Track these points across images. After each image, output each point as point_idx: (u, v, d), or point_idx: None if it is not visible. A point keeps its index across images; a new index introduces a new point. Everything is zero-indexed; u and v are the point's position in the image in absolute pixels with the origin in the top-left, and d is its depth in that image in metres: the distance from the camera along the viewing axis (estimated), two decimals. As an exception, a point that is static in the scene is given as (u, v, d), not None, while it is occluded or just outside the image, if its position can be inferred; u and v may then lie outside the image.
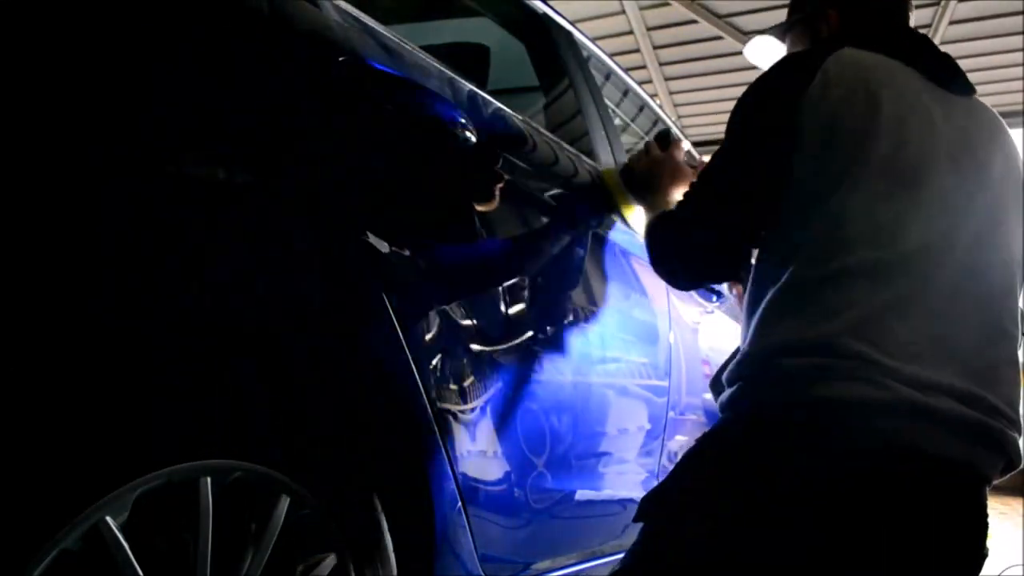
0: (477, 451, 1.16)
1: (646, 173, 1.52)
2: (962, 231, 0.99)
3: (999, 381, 0.96)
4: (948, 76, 1.09)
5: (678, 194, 1.39)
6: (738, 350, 1.06)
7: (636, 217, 1.56)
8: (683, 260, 1.18)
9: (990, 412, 0.94)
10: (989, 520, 0.99)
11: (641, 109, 2.37)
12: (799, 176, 0.99)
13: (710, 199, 1.11)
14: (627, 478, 1.65)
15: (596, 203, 1.58)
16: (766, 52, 1.39)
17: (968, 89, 1.11)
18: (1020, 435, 0.98)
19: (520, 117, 1.41)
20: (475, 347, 1.17)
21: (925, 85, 1.05)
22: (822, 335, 0.93)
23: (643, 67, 6.82)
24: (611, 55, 2.13)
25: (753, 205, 1.06)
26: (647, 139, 1.76)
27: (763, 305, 1.01)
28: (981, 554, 0.96)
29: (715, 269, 1.16)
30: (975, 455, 0.93)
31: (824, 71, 1.00)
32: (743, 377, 1.01)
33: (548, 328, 1.37)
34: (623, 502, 1.64)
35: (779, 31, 1.36)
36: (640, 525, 1.04)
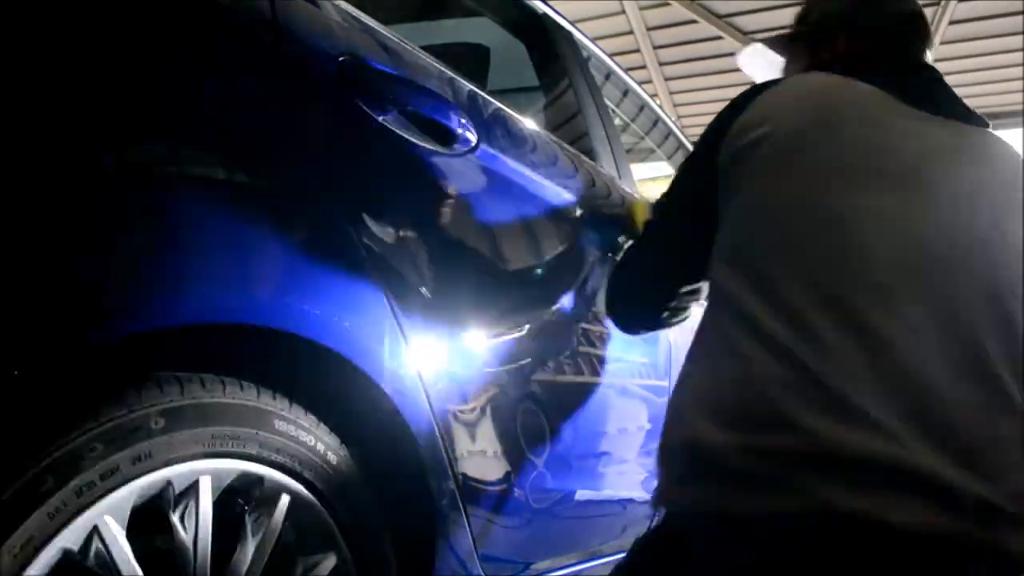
0: (477, 451, 1.16)
1: None
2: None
3: (1001, 466, 0.68)
4: (940, 102, 0.95)
5: None
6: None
7: None
8: (609, 304, 1.18)
9: (985, 515, 0.65)
10: None
11: (641, 109, 2.37)
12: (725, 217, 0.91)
13: (640, 241, 1.11)
14: (627, 478, 1.65)
15: (595, 204, 1.58)
16: (761, 63, 1.30)
17: (974, 119, 0.96)
18: None
19: (520, 119, 1.41)
20: (475, 346, 1.17)
21: (898, 107, 0.91)
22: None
23: (643, 67, 6.83)
24: (611, 55, 2.13)
25: (668, 251, 1.04)
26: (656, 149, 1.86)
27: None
28: None
29: (634, 315, 1.17)
30: None
31: (756, 105, 0.93)
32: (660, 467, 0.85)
33: (548, 328, 1.37)
34: (623, 502, 1.64)
35: (780, 44, 1.24)
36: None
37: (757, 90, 0.98)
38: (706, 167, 0.95)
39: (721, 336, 0.83)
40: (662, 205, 1.10)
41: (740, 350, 0.77)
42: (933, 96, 0.96)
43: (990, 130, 0.96)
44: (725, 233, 0.90)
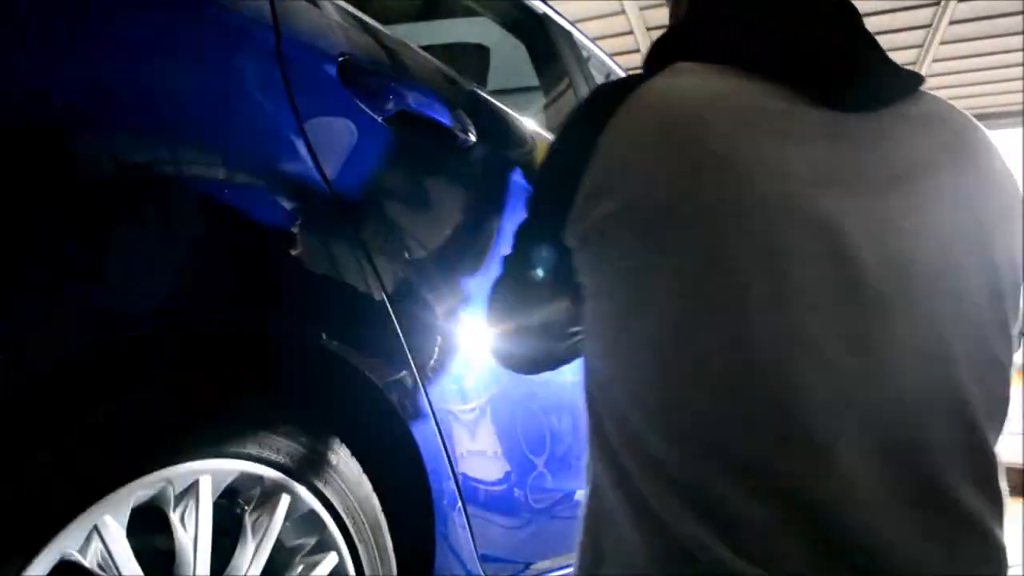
0: (477, 451, 1.16)
1: None
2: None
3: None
4: (850, 82, 0.66)
5: None
6: None
7: None
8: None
9: None
10: None
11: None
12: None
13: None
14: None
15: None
16: None
17: (888, 93, 0.67)
18: None
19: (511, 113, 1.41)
20: (475, 347, 1.17)
21: (798, 111, 0.64)
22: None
23: (643, 67, 6.81)
24: (611, 55, 2.13)
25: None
26: None
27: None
28: None
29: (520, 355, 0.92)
30: None
31: (605, 145, 0.66)
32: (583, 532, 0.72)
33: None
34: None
35: None
36: None
37: (603, 107, 0.68)
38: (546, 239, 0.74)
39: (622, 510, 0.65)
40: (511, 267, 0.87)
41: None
42: (864, 72, 0.67)
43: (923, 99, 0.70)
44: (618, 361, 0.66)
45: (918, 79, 0.70)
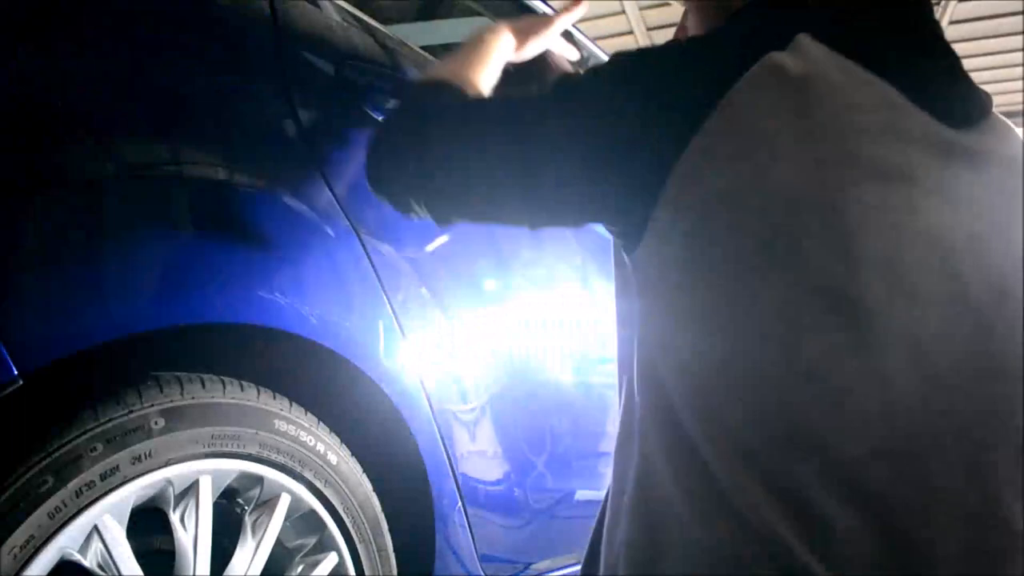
0: (477, 451, 1.16)
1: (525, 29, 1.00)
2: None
3: None
4: (955, 99, 0.65)
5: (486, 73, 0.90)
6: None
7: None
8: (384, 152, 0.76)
9: None
10: None
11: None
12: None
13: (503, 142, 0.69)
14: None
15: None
16: None
17: (979, 109, 0.67)
18: None
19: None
20: (475, 346, 1.17)
21: (921, 123, 0.62)
22: None
23: (643, 67, 6.81)
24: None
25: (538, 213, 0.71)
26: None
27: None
28: None
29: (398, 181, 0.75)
30: None
31: (732, 103, 0.59)
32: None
33: (549, 326, 1.37)
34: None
35: None
36: None
37: (717, 70, 0.61)
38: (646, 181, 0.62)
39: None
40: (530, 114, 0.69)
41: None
42: (953, 84, 0.67)
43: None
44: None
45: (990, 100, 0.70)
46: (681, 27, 0.89)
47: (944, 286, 0.59)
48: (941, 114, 0.63)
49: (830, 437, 0.57)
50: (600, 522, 0.73)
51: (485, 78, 0.89)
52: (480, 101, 0.78)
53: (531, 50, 1.01)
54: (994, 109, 0.70)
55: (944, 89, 0.65)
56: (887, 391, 0.57)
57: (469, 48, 0.93)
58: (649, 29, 6.46)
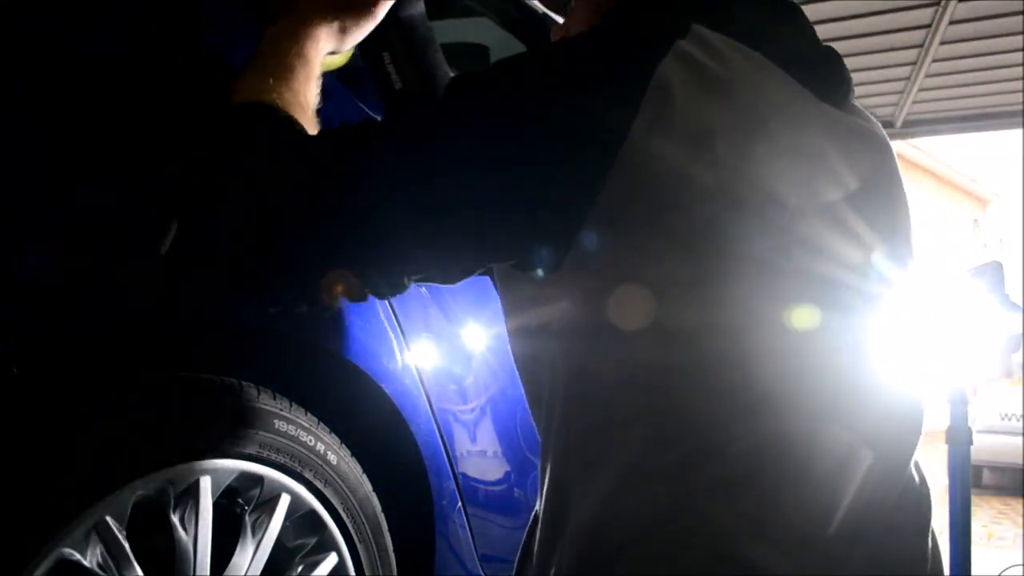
0: (477, 451, 1.16)
1: None
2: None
3: None
4: (826, 77, 0.67)
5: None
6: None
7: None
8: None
9: None
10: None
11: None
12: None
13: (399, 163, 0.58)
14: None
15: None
16: None
17: (844, 93, 0.69)
18: None
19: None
20: (475, 346, 1.17)
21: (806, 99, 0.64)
22: None
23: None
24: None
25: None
26: None
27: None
28: None
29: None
30: None
31: (660, 85, 0.55)
32: None
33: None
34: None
35: None
36: None
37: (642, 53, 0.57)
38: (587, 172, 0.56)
39: None
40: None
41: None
42: (830, 67, 0.69)
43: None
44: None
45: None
46: (563, 27, 0.82)
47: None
48: (823, 94, 0.65)
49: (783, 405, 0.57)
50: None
51: (310, 91, 0.71)
52: (340, 135, 0.63)
53: (354, 39, 0.80)
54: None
55: (823, 70, 0.67)
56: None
57: (272, 52, 0.70)
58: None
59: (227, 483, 0.85)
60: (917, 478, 0.67)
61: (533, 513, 0.71)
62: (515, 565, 0.74)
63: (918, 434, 0.66)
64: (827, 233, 0.60)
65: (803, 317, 0.58)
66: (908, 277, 0.68)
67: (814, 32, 0.70)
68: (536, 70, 0.60)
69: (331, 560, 0.94)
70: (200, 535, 0.79)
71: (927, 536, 0.65)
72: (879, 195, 0.66)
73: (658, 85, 0.55)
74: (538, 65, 0.61)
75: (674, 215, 0.55)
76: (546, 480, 0.67)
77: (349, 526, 0.96)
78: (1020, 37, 5.45)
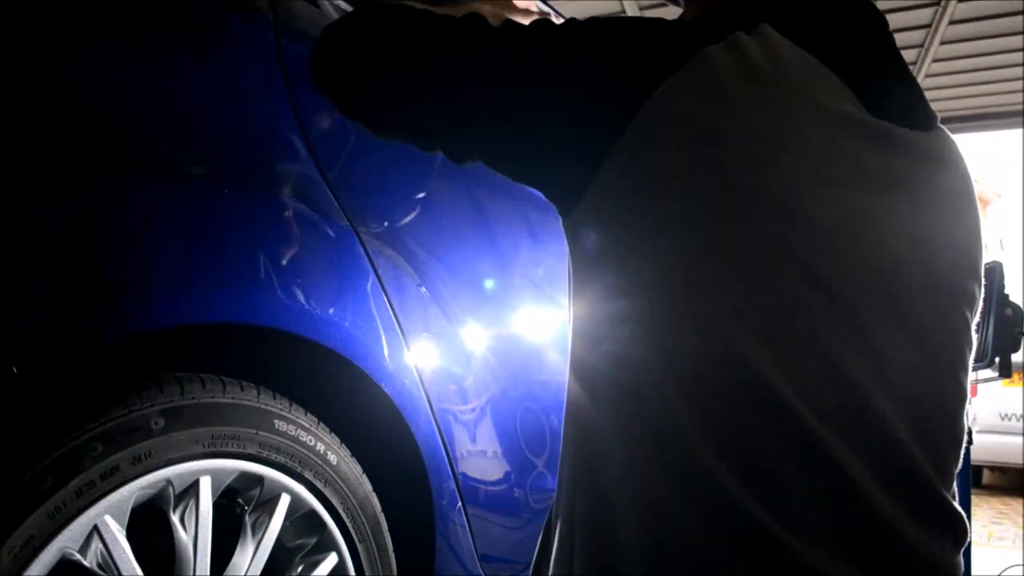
0: (477, 451, 1.16)
1: None
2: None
3: None
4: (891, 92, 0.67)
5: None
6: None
7: None
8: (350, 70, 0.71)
9: None
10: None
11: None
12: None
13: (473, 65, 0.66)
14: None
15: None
16: None
17: (926, 122, 0.68)
18: None
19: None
20: (475, 346, 1.17)
21: (850, 111, 0.63)
22: None
23: (643, 67, 6.81)
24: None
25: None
26: None
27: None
28: None
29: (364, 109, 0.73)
30: None
31: (702, 61, 0.59)
32: None
33: (548, 326, 1.37)
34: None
35: None
36: None
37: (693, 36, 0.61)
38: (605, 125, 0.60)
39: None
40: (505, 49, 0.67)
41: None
42: (904, 90, 0.68)
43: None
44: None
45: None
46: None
47: (883, 263, 0.60)
48: (881, 111, 0.64)
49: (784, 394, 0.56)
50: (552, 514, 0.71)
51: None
52: (448, 15, 0.72)
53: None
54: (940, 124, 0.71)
55: (895, 93, 0.67)
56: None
57: None
58: (649, 29, 6.45)
59: (227, 483, 0.85)
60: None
61: (549, 512, 0.71)
62: (531, 567, 0.74)
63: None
64: (828, 246, 0.59)
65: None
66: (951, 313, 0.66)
67: (893, 45, 0.70)
68: (607, 23, 0.66)
69: (331, 560, 0.94)
70: (200, 535, 0.80)
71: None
72: (914, 208, 0.64)
73: (700, 61, 0.59)
74: (611, 21, 0.67)
75: (672, 200, 0.58)
76: (562, 479, 0.67)
77: (349, 526, 0.96)
78: (1020, 37, 5.46)
